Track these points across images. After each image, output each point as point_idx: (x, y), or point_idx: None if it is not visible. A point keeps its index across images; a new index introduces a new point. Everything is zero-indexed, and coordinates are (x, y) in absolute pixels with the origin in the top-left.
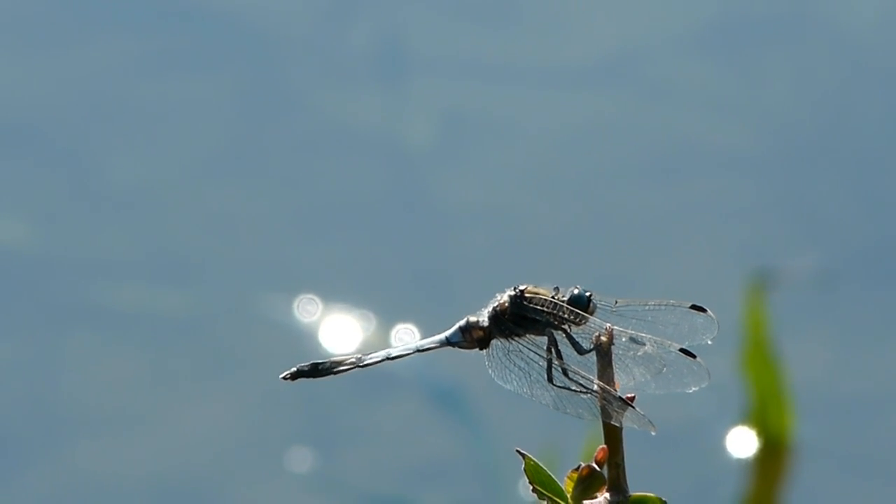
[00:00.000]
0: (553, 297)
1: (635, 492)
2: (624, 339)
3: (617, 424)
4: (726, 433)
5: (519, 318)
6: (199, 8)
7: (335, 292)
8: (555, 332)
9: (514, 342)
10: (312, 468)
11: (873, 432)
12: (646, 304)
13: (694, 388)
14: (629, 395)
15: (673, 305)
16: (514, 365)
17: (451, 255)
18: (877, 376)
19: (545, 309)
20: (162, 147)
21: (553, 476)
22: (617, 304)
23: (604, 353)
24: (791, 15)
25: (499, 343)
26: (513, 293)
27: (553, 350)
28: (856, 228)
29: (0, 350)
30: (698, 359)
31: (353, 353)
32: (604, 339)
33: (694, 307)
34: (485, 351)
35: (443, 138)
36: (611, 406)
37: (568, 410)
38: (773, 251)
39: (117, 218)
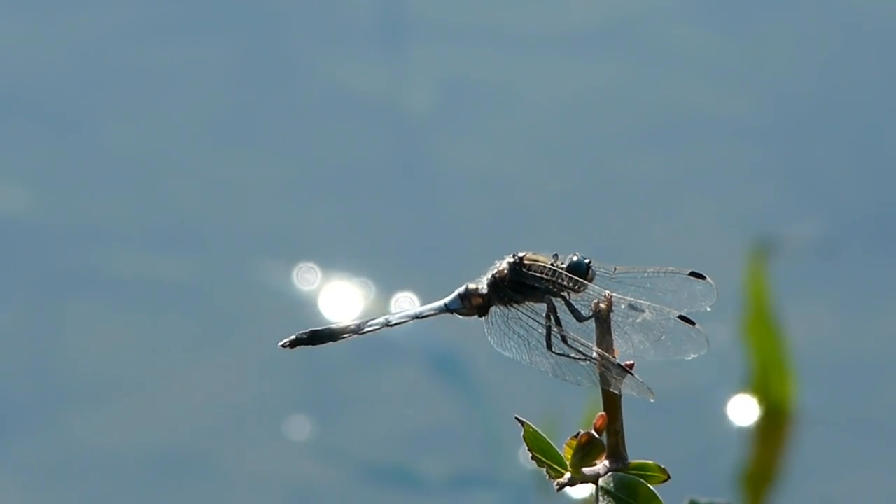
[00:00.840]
0: (552, 265)
1: (634, 459)
2: (623, 307)
3: (616, 391)
4: (727, 400)
5: (518, 285)
6: None
7: (334, 260)
8: (554, 299)
9: (512, 309)
10: (311, 436)
11: (875, 399)
12: (645, 271)
13: (693, 356)
14: (628, 363)
15: (672, 272)
16: (513, 332)
17: (450, 223)
18: (878, 343)
19: (544, 276)
20: (162, 113)
21: (552, 443)
22: (616, 271)
23: (603, 320)
24: None
25: (498, 310)
26: (512, 260)
27: (552, 317)
28: (857, 195)
29: None
30: (697, 326)
31: (353, 321)
32: (603, 306)
33: (693, 274)
34: (484, 318)
35: (444, 105)
36: (610, 373)
37: (567, 377)
38: (775, 218)
39: (117, 184)
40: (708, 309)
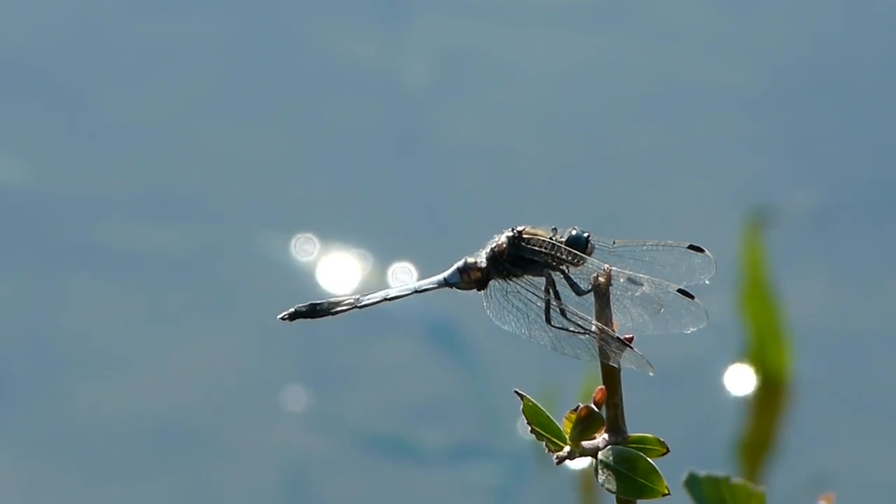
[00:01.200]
0: (551, 238)
1: (634, 432)
2: (622, 280)
3: (615, 365)
4: (724, 371)
5: (517, 259)
6: None
7: (332, 231)
8: (553, 272)
9: (512, 283)
10: (309, 407)
11: (871, 369)
12: (644, 245)
13: (692, 329)
14: (627, 336)
15: (671, 245)
16: (512, 306)
17: (448, 195)
18: (874, 313)
19: (543, 250)
20: (161, 85)
21: (551, 417)
22: (615, 245)
23: (602, 293)
24: None
25: (497, 284)
26: (511, 234)
27: (551, 291)
28: (853, 165)
29: None
30: (696, 299)
31: (352, 294)
32: (602, 279)
33: (692, 247)
34: (483, 292)
35: (441, 77)
36: (609, 347)
37: (566, 351)
38: (771, 188)
39: (115, 156)
40: (707, 282)
